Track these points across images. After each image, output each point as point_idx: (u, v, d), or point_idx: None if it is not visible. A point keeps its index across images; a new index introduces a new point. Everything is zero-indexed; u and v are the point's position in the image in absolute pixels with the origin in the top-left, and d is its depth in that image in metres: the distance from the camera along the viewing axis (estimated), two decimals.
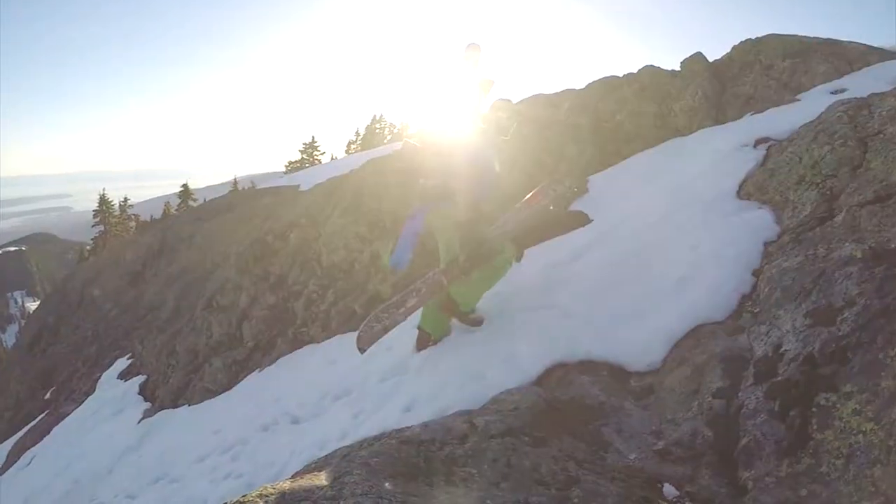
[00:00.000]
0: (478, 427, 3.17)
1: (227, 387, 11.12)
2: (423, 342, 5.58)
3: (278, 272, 12.98)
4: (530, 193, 5.57)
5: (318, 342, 10.15)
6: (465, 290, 5.33)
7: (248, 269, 13.63)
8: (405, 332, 6.06)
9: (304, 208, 14.68)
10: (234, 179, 52.42)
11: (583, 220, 6.23)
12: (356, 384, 5.94)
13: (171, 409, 11.85)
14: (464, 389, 4.29)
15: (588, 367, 4.05)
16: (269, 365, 10.67)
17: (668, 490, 2.77)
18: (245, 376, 11.05)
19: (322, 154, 52.64)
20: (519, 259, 5.53)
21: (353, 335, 8.97)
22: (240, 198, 30.55)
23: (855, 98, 5.96)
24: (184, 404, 11.78)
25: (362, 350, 5.18)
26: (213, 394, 11.26)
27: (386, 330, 5.17)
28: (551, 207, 5.63)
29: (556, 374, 4.11)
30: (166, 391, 12.76)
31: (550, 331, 4.60)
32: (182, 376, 12.87)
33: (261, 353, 11.59)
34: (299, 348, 10.49)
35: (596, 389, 3.75)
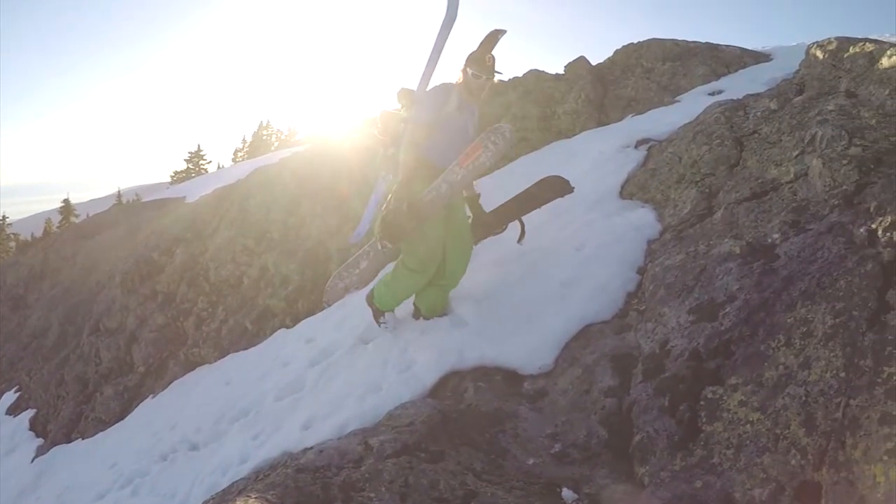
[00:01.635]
0: (373, 448, 3.09)
1: (121, 416, 10.63)
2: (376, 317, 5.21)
3: (166, 290, 12.56)
4: (466, 150, 4.85)
5: (211, 362, 9.84)
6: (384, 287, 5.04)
7: (135, 289, 13.13)
8: (299, 350, 5.96)
9: (189, 222, 14.29)
10: (119, 192, 50.14)
11: (564, 187, 5.44)
12: (253, 404, 5.76)
13: (65, 445, 11.21)
14: (361, 403, 4.21)
15: (482, 373, 4.04)
16: (162, 390, 10.26)
17: (567, 494, 2.77)
18: (138, 404, 10.58)
19: (208, 163, 51.53)
20: (499, 232, 5.39)
21: (245, 353, 8.84)
22: (124, 212, 29.16)
23: (731, 99, 6.21)
24: (78, 438, 11.17)
25: (327, 304, 5.37)
26: (106, 424, 10.72)
27: (347, 290, 5.25)
28: (488, 164, 4.97)
29: (451, 383, 4.08)
30: (58, 425, 12.10)
31: (443, 338, 4.58)
32: (73, 407, 12.23)
33: (153, 378, 11.16)
34: (192, 370, 10.13)
35: (490, 395, 3.74)
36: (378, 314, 5.11)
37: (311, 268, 9.70)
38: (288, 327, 8.50)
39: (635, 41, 11.99)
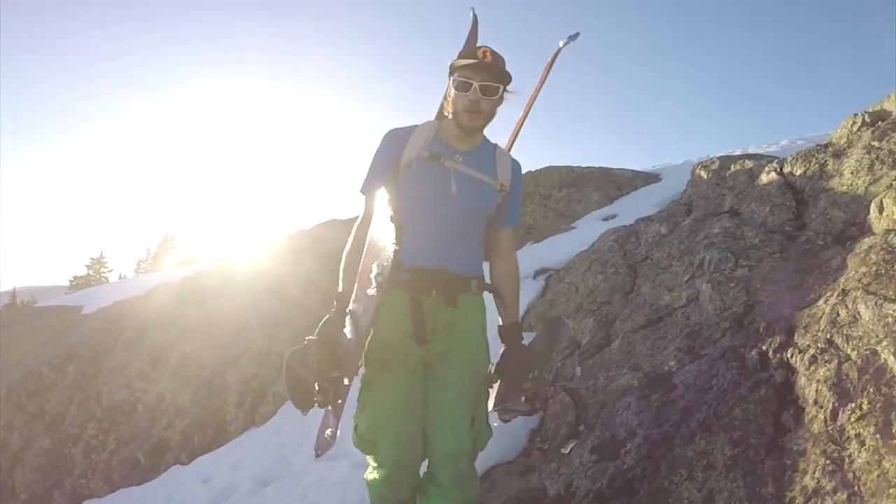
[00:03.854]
0: None
1: None
2: None
3: (54, 410, 11.96)
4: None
5: (101, 497, 9.29)
6: None
7: (22, 405, 12.44)
8: (195, 490, 5.66)
9: (85, 336, 13.82)
10: (14, 290, 47.76)
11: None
12: None
13: None
14: None
15: None
16: None
17: None
18: None
19: (110, 271, 50.19)
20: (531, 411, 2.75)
21: (139, 489, 8.33)
22: (17, 315, 27.57)
23: (623, 225, 6.44)
24: None
25: (317, 455, 3.44)
26: None
27: (333, 437, 3.24)
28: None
29: None
30: None
31: (343, 484, 4.39)
32: None
33: None
34: None
35: None
36: None
37: (209, 399, 9.36)
38: (183, 464, 8.15)
39: (533, 168, 12.44)
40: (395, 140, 2.77)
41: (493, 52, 2.64)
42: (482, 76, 2.60)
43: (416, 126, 2.83)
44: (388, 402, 2.58)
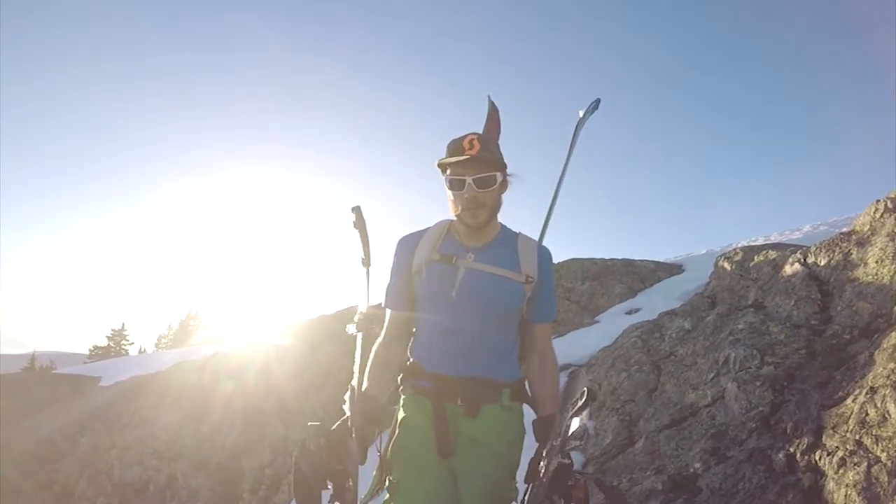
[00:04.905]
0: None
1: None
2: None
3: (64, 481, 11.85)
4: None
5: None
6: None
7: (31, 472, 12.32)
8: None
9: (100, 409, 13.80)
10: (33, 354, 47.99)
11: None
12: None
13: None
14: None
15: None
16: None
17: None
18: None
19: (130, 344, 50.87)
20: None
21: None
22: (35, 380, 27.63)
23: (647, 321, 6.36)
24: None
25: None
26: None
27: None
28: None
29: None
30: None
31: None
32: None
33: None
34: None
35: None
36: None
37: (222, 484, 9.20)
38: None
39: (556, 261, 12.42)
40: (406, 248, 2.64)
41: (480, 139, 2.46)
42: (474, 169, 2.43)
43: (428, 229, 2.69)
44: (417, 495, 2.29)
